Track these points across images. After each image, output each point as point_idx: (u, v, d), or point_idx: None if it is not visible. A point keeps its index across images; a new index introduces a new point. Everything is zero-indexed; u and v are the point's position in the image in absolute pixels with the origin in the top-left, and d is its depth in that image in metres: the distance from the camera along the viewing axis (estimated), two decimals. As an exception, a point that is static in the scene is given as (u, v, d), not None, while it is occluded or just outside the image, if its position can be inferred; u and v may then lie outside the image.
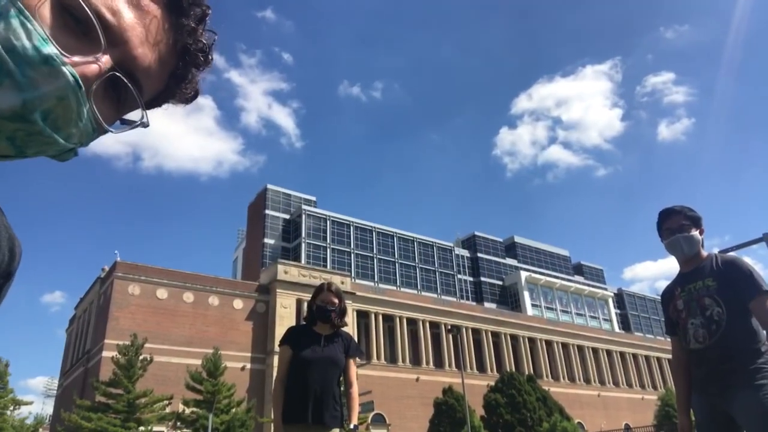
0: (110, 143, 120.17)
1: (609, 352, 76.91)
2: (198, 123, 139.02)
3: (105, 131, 0.69)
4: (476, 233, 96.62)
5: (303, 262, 69.37)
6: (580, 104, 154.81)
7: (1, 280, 0.68)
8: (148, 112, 0.75)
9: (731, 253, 3.61)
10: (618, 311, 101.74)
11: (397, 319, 60.10)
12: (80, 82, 0.60)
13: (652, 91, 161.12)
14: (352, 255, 79.26)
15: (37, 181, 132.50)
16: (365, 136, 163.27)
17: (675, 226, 3.69)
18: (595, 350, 75.55)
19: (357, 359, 4.38)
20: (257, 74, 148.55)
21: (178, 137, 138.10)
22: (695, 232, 3.67)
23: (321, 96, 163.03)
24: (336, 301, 4.28)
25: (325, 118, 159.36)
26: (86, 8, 0.61)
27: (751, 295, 3.37)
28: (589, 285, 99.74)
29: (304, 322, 4.41)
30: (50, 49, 0.57)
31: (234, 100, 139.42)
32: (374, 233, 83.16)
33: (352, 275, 68.79)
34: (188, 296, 49.56)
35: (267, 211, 79.19)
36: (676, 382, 3.77)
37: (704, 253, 3.72)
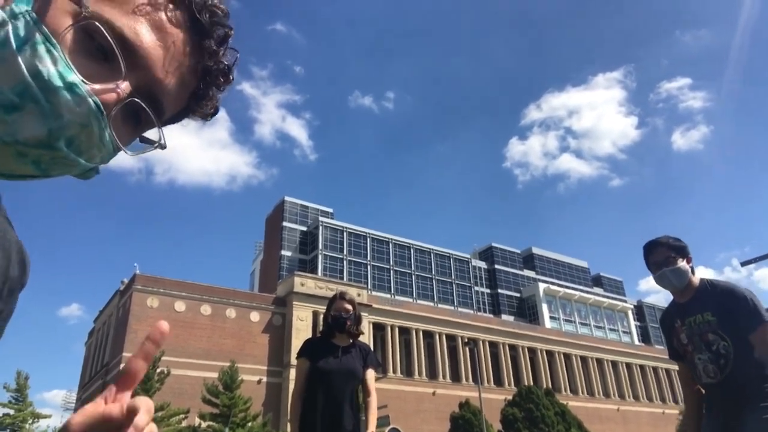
0: (123, 157, 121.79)
1: (629, 366, 75.69)
2: (212, 136, 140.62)
3: (123, 151, 0.70)
4: (493, 245, 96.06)
5: (320, 274, 69.47)
6: (591, 113, 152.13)
7: (17, 294, 0.72)
8: (167, 127, 0.76)
9: (727, 278, 3.58)
10: (638, 323, 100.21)
11: (414, 332, 59.76)
12: (102, 109, 0.61)
13: (667, 97, 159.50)
14: (369, 267, 79.20)
15: (52, 196, 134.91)
16: (379, 146, 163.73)
17: (661, 259, 3.60)
18: (614, 363, 74.41)
19: (375, 370, 4.35)
20: (269, 86, 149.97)
21: (192, 151, 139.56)
22: (682, 263, 3.58)
23: (333, 107, 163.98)
24: (349, 308, 4.27)
25: (338, 130, 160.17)
26: (109, 38, 0.61)
27: (752, 327, 3.33)
28: (608, 297, 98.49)
29: (320, 335, 4.40)
30: (74, 77, 0.58)
31: (247, 111, 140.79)
32: (391, 245, 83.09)
33: (369, 287, 68.72)
34: (206, 309, 49.82)
35: (284, 223, 79.56)
36: (687, 406, 3.76)
37: (695, 280, 3.63)
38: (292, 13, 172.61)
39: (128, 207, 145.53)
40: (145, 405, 0.57)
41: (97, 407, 0.56)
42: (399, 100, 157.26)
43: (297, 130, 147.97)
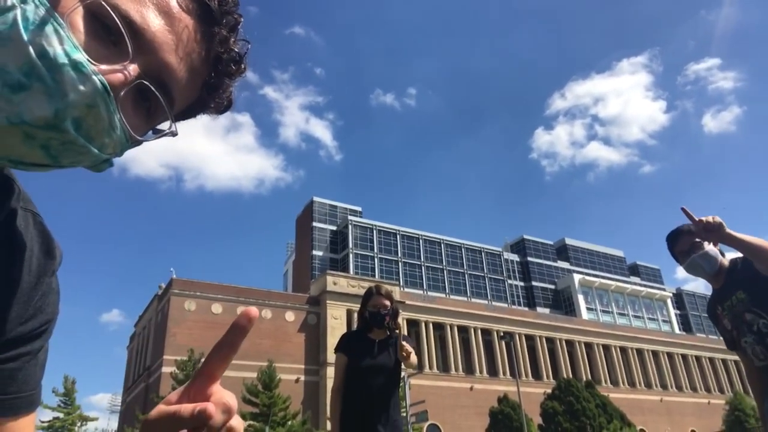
0: (153, 167, 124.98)
1: (670, 355, 74.02)
2: (238, 141, 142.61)
3: (136, 141, 0.69)
4: (525, 236, 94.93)
5: (351, 272, 69.75)
6: (617, 99, 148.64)
7: (45, 278, 0.74)
8: (184, 122, 0.76)
9: None
10: (678, 312, 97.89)
11: (448, 327, 59.56)
12: (109, 89, 0.60)
13: (696, 79, 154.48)
14: (400, 264, 79.21)
15: (89, 207, 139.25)
16: (403, 143, 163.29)
17: (686, 248, 3.38)
18: (655, 353, 72.87)
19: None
20: (291, 89, 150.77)
21: (220, 157, 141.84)
22: (709, 246, 3.33)
23: (356, 106, 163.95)
24: (387, 303, 4.11)
25: (361, 129, 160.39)
26: (115, 17, 0.61)
27: None
28: (646, 286, 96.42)
29: (357, 329, 4.35)
30: (80, 56, 0.58)
31: (271, 115, 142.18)
32: (421, 241, 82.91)
33: (401, 284, 68.70)
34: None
35: (314, 224, 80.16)
36: (754, 393, 3.57)
37: (726, 262, 3.42)
38: (309, 15, 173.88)
39: (160, 214, 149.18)
40: (222, 404, 0.56)
41: (169, 406, 0.55)
42: (421, 97, 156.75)
43: (321, 131, 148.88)
